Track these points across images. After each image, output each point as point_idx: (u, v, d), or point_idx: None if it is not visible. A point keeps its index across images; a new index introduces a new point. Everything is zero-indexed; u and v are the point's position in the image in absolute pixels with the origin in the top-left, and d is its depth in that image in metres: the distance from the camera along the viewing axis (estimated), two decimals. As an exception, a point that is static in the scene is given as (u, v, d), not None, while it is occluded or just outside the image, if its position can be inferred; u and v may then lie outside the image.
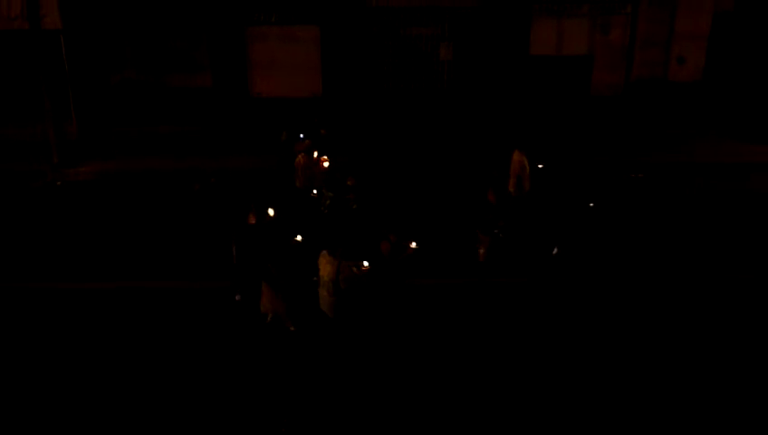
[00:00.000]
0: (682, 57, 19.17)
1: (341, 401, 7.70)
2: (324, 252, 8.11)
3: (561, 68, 18.95)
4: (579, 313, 9.21)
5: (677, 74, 19.02)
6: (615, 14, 18.82)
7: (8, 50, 17.67)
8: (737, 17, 19.33)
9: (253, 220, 9.27)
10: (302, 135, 13.38)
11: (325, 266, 8.06)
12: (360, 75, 18.83)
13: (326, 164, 11.94)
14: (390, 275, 8.34)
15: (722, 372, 8.04)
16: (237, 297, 9.64)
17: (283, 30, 18.77)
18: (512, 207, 11.06)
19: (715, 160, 15.98)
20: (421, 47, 18.98)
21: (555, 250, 10.80)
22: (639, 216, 12.34)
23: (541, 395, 7.68)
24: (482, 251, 10.12)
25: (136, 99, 18.67)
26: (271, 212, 9.41)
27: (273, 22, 18.67)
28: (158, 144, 17.32)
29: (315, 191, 11.89)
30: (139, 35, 18.49)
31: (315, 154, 11.96)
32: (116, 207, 13.56)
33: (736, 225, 12.15)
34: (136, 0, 18.18)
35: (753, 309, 9.37)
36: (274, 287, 8.78)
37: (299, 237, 9.28)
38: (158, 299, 9.87)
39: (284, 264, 8.82)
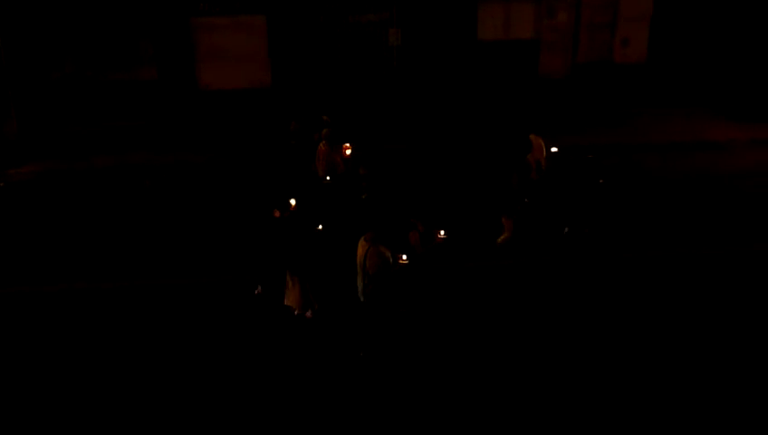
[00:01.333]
0: (626, 39, 19.52)
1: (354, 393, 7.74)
2: (363, 237, 8.21)
3: (508, 52, 19.07)
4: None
5: (622, 56, 19.39)
6: (560, -2, 19.05)
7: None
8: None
9: (278, 214, 9.21)
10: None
11: (359, 250, 8.19)
12: (309, 64, 18.64)
13: (348, 151, 11.69)
14: (420, 264, 8.47)
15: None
16: (257, 290, 9.56)
17: (229, 20, 18.43)
18: (533, 189, 11.29)
19: (659, 140, 16.40)
20: (370, 34, 18.88)
21: (566, 229, 11.08)
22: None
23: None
24: (506, 235, 10.77)
25: (78, 95, 18.13)
26: (293, 202, 9.33)
27: (218, 12, 18.31)
28: (103, 141, 16.88)
29: (328, 178, 11.67)
30: (80, 29, 17.93)
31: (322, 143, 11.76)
32: (62, 206, 13.22)
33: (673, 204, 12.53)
34: (74, -8, 17.64)
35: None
36: (300, 276, 8.78)
37: (320, 226, 9.31)
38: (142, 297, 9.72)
39: (309, 253, 8.89)
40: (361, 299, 8.30)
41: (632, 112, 18.07)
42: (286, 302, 9.05)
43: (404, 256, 8.04)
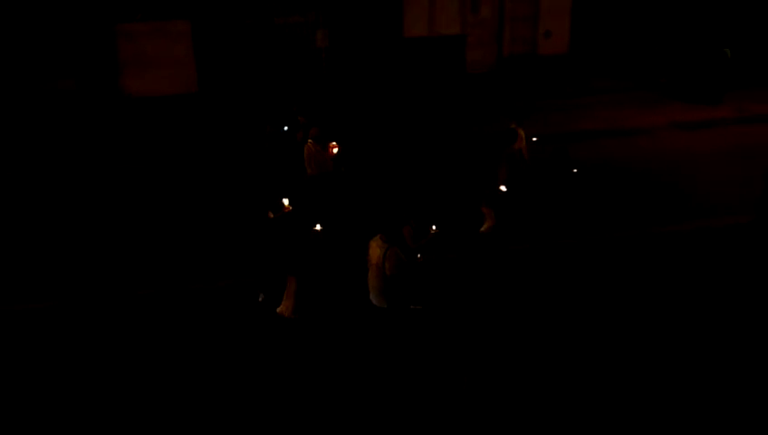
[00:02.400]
0: (549, 31, 20.04)
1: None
2: (376, 237, 8.06)
3: (435, 48, 19.33)
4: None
5: (545, 48, 19.89)
6: (483, -7, 19.44)
7: None
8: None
9: (271, 215, 9.00)
10: (285, 127, 13.14)
11: (375, 251, 8.02)
12: (237, 67, 18.47)
13: (335, 150, 11.63)
14: (414, 259, 8.40)
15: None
16: (260, 298, 9.25)
17: (153, 26, 18.13)
18: (517, 178, 11.51)
19: (584, 127, 16.89)
20: (297, 35, 18.84)
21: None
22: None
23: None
24: (489, 223, 11.02)
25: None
26: (286, 202, 9.14)
27: (141, 18, 17.98)
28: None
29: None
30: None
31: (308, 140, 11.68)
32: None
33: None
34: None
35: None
36: (298, 278, 8.58)
37: (318, 227, 9.08)
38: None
39: (307, 254, 8.74)
40: (374, 299, 8.20)
41: (557, 102, 18.52)
42: (278, 309, 8.81)
43: (419, 256, 8.08)
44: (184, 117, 17.55)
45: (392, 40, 19.00)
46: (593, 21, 20.09)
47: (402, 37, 19.15)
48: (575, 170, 11.41)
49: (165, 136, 16.68)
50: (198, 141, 16.05)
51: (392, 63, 19.02)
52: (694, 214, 12.09)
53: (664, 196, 12.82)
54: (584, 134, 16.46)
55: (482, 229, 11.20)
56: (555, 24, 19.79)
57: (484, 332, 8.65)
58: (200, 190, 13.38)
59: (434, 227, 8.55)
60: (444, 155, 14.96)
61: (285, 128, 13.16)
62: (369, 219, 10.24)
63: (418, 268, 8.22)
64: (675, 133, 16.54)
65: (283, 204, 9.15)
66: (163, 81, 18.11)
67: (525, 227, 11.28)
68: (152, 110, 17.68)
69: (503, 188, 11.16)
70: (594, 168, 14.12)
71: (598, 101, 18.71)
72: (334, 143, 11.63)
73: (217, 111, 17.64)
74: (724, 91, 18.28)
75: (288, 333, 8.69)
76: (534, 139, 12.05)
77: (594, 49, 20.00)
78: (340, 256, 10.00)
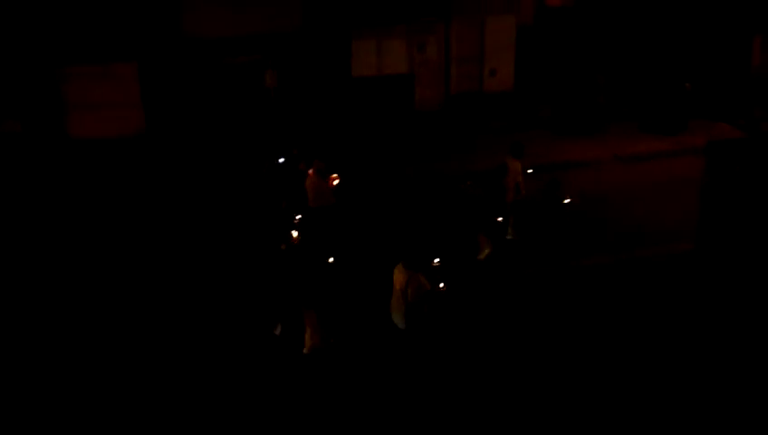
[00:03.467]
0: (494, 69, 20.57)
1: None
2: (400, 264, 8.46)
3: (384, 87, 19.59)
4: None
5: (491, 86, 20.38)
6: (429, 33, 19.81)
7: None
8: (537, 30, 21.10)
9: (283, 246, 9.29)
10: (281, 159, 13.31)
11: (398, 277, 8.40)
12: (185, 108, 18.39)
13: (335, 182, 11.92)
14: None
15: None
16: (277, 331, 9.33)
17: (98, 68, 17.94)
18: (513, 209, 12.18)
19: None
20: (246, 75, 18.88)
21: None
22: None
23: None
24: (486, 251, 11.69)
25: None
26: (295, 234, 9.37)
27: (87, 60, 17.79)
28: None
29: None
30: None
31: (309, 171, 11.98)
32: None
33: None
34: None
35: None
36: (316, 310, 8.75)
37: (331, 259, 9.40)
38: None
39: (321, 285, 9.07)
40: (396, 320, 8.53)
41: (502, 138, 18.84)
42: (306, 349, 8.91)
43: (441, 284, 8.41)
44: (132, 158, 17.36)
45: (341, 80, 19.21)
46: (538, 59, 20.69)
47: (351, 77, 19.37)
48: (567, 201, 12.00)
49: (112, 178, 16.48)
50: (150, 182, 15.95)
51: (341, 103, 19.20)
52: (629, 244, 12.51)
53: (593, 229, 13.20)
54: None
55: (480, 257, 11.70)
56: (500, 63, 20.32)
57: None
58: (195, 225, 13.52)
59: (436, 260, 8.91)
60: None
61: (281, 160, 13.37)
62: (373, 250, 10.98)
63: (440, 296, 8.63)
64: (618, 166, 17.05)
65: (291, 235, 9.41)
66: (110, 123, 17.87)
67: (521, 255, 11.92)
68: (99, 152, 17.42)
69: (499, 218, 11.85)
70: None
71: (539, 135, 19.12)
72: (335, 175, 11.96)
73: (167, 152, 17.52)
74: (685, 122, 19.06)
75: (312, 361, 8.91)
76: (530, 171, 12.49)
77: (536, 86, 20.56)
78: (354, 286, 10.47)
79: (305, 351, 8.90)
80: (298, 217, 10.66)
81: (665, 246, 12.20)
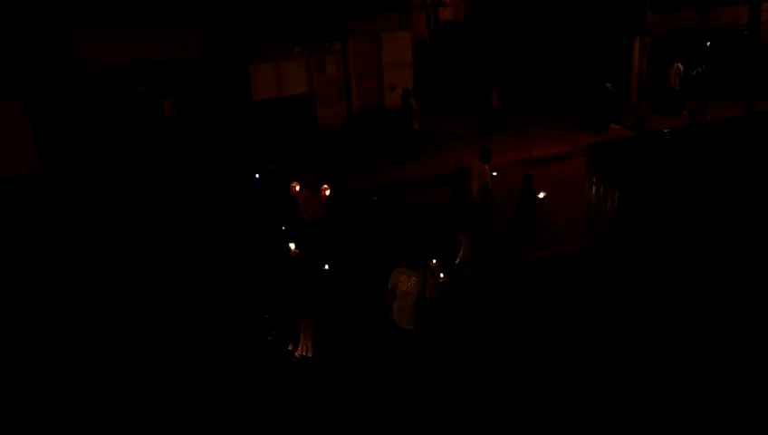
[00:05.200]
0: (393, 84, 20.94)
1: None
2: (401, 268, 8.49)
3: (285, 109, 19.61)
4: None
5: (392, 101, 20.72)
6: (327, 53, 20.00)
7: None
8: (432, 44, 21.71)
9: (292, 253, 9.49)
10: (256, 175, 13.41)
11: (409, 280, 8.38)
12: (80, 142, 17.83)
13: (327, 192, 12.15)
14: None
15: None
16: (270, 336, 9.57)
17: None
18: (481, 211, 12.69)
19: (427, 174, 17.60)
20: (143, 105, 18.51)
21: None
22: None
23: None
24: (463, 252, 12.11)
25: None
26: (293, 247, 9.49)
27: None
28: None
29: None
30: None
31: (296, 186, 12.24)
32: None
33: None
34: None
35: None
36: (315, 317, 8.97)
37: (327, 266, 9.43)
38: None
39: (320, 294, 9.14)
40: (408, 325, 8.52)
41: (405, 151, 19.20)
42: (298, 353, 9.19)
43: (441, 275, 8.60)
44: (27, 195, 16.71)
45: (242, 104, 19.09)
46: (435, 71, 21.23)
47: (251, 100, 19.29)
48: (541, 195, 12.73)
49: (5, 218, 15.83)
50: (46, 219, 15.43)
51: (242, 127, 19.07)
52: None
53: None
54: (421, 181, 17.13)
55: (456, 262, 12.16)
56: (398, 78, 20.71)
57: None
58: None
59: (434, 261, 9.05)
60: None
61: (257, 176, 13.49)
62: (371, 257, 11.32)
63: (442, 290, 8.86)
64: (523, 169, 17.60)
65: (290, 248, 9.61)
66: (2, 161, 17.13)
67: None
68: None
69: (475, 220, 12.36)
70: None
71: (444, 145, 19.67)
72: (326, 186, 12.24)
73: (63, 187, 16.95)
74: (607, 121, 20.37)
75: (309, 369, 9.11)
76: (495, 173, 12.96)
77: (439, 97, 21.08)
78: (352, 293, 10.75)
79: (296, 356, 9.20)
80: (288, 230, 11.02)
81: (561, 246, 12.69)
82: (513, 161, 18.15)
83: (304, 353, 9.27)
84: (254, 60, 19.18)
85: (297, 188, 12.24)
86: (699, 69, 20.48)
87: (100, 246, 14.05)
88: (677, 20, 21.02)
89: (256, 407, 8.59)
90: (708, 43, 20.84)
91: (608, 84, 20.31)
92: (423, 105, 20.27)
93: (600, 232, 8.39)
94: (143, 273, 12.60)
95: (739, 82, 18.74)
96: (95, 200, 16.50)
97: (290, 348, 9.56)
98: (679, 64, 21.25)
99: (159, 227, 14.81)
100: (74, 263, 13.26)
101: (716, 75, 21.13)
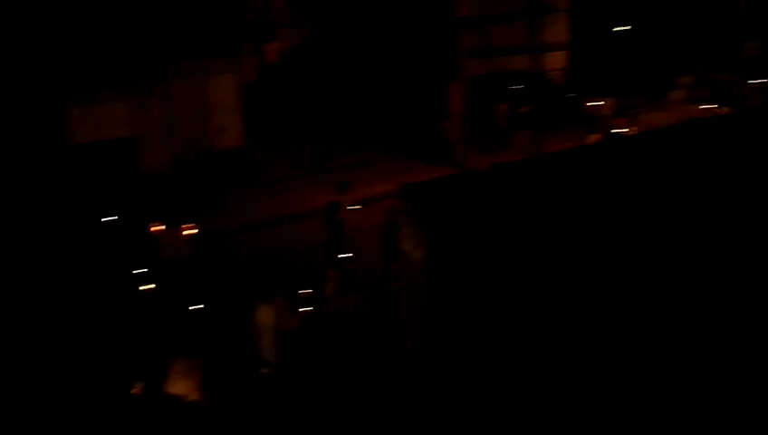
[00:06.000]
0: (223, 127, 20.82)
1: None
2: (261, 304, 8.57)
3: (107, 152, 18.78)
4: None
5: (221, 143, 20.58)
6: (149, 95, 19.46)
7: None
8: (262, 86, 21.95)
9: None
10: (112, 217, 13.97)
11: (268, 315, 8.51)
12: None
13: (186, 232, 11.93)
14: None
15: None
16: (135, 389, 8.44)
17: None
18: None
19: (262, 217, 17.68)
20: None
21: None
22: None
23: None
24: (331, 284, 12.16)
25: None
26: (151, 287, 9.31)
27: None
28: None
29: None
30: None
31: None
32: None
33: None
34: None
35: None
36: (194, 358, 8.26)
37: (200, 305, 9.33)
38: None
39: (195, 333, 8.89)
40: (271, 358, 8.51)
41: (236, 194, 19.12)
42: (172, 390, 8.12)
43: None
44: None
45: (58, 149, 18.08)
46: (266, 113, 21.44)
47: (70, 144, 18.33)
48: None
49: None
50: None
51: (60, 171, 18.03)
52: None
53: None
54: (259, 224, 17.13)
55: (326, 293, 12.09)
56: (227, 120, 20.64)
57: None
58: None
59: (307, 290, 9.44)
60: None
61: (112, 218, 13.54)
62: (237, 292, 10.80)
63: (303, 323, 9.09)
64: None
65: (145, 289, 9.63)
66: None
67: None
68: None
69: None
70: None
71: (272, 188, 19.88)
72: (189, 225, 12.08)
73: None
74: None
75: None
76: (358, 206, 13.88)
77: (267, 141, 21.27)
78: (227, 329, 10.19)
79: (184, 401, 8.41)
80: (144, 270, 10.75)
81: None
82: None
83: (188, 396, 8.50)
84: (71, 104, 18.27)
85: (155, 228, 12.06)
86: (525, 108, 22.41)
87: None
88: (489, 65, 22.79)
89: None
90: (522, 86, 22.90)
91: (443, 124, 21.70)
92: (254, 146, 20.35)
93: (412, 277, 8.77)
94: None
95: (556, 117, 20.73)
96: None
97: (134, 391, 8.75)
98: (505, 104, 23.06)
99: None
100: None
101: (541, 113, 23.05)
